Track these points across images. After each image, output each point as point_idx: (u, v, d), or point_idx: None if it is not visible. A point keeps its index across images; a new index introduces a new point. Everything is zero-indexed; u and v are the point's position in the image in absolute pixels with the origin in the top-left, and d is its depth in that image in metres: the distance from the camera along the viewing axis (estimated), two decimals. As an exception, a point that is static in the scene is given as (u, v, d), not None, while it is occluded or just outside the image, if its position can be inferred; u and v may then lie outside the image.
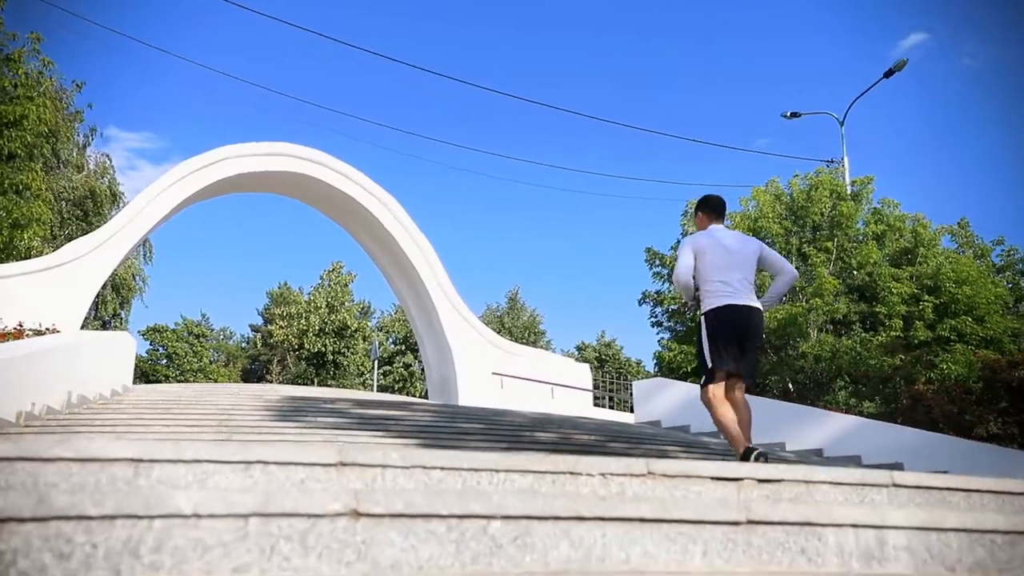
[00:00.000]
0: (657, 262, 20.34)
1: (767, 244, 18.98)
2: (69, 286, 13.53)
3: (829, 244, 18.46)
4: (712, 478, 2.56)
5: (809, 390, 18.59)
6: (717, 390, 4.95)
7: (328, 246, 72.03)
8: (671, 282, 6.44)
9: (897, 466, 8.10)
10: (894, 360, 16.69)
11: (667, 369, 21.29)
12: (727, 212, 5.45)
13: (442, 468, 1.92)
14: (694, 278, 5.07)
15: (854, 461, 8.34)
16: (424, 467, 1.95)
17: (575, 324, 77.28)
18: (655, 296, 21.13)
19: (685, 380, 19.53)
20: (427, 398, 26.75)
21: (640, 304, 21.36)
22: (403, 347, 35.27)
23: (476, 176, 75.15)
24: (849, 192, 19.29)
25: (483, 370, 16.94)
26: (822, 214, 18.70)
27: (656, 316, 21.10)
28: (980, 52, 57.07)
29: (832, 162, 21.65)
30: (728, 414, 4.88)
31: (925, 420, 12.18)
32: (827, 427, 9.16)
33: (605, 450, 6.82)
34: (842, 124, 21.66)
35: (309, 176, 16.65)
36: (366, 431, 6.77)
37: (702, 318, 5.05)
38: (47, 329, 9.28)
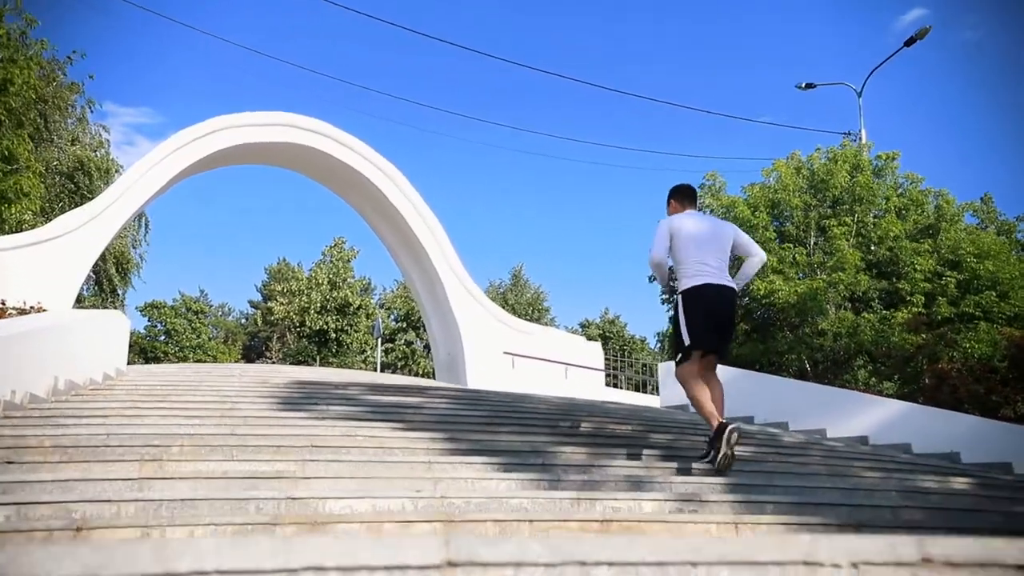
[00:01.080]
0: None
1: (786, 218, 18.36)
2: (60, 261, 12.81)
3: (848, 219, 17.75)
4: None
5: (827, 369, 17.98)
6: (692, 367, 5.13)
7: (328, 222, 71.17)
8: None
9: (953, 456, 7.47)
10: (917, 338, 16.06)
11: (673, 348, 20.68)
12: (697, 200, 5.57)
13: (610, 564, 1.19)
14: (671, 261, 5.20)
15: (902, 449, 7.70)
16: (583, 563, 1.20)
17: (579, 302, 76.61)
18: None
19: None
20: (434, 377, 26.11)
21: (652, 280, 20.66)
22: (404, 324, 34.66)
23: (483, 148, 73.71)
24: (871, 165, 18.55)
25: (492, 349, 16.29)
26: (843, 187, 17.97)
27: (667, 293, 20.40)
28: (981, 24, 55.95)
29: (849, 134, 20.90)
30: (703, 391, 5.10)
31: (950, 400, 11.56)
32: (872, 412, 8.51)
33: (647, 442, 6.16)
34: (860, 95, 20.91)
35: (311, 148, 15.88)
36: (384, 421, 6.10)
37: (679, 297, 5.13)
38: (32, 308, 8.58)
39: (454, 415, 6.73)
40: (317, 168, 16.71)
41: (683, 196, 5.49)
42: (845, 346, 17.13)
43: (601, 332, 37.55)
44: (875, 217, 18.30)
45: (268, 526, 3.29)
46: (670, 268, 5.37)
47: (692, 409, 9.64)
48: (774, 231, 18.15)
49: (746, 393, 9.59)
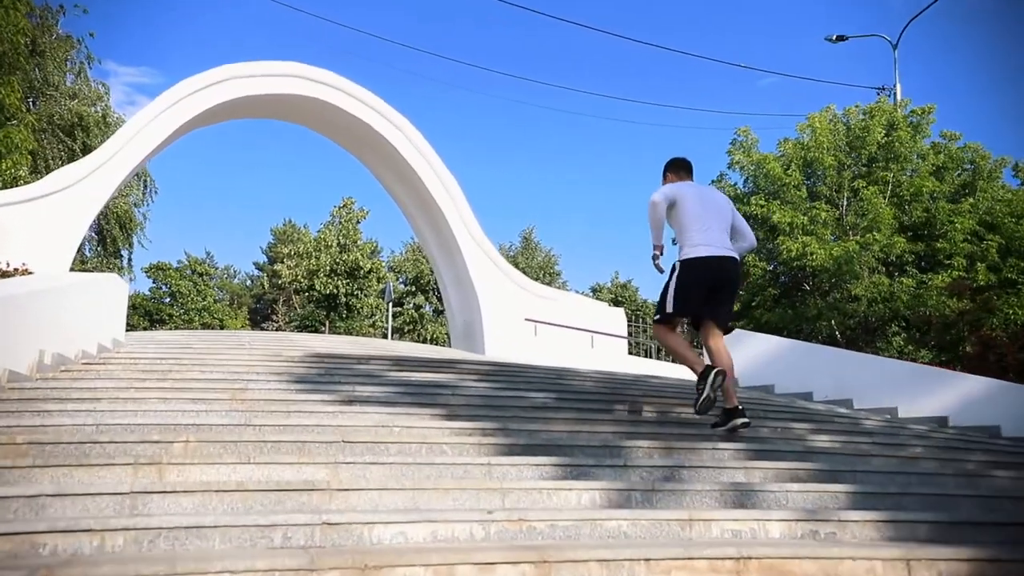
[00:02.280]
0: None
1: (818, 177, 17.32)
2: (56, 220, 11.86)
3: (885, 175, 16.69)
4: None
5: (859, 336, 17.07)
6: (669, 328, 5.19)
7: (337, 183, 69.97)
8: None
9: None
10: (959, 303, 15.12)
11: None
12: (692, 171, 5.41)
13: None
14: (672, 227, 5.11)
15: (989, 432, 6.82)
16: None
17: (590, 266, 75.42)
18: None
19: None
20: (444, 343, 25.28)
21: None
22: (413, 288, 33.73)
23: (494, 100, 71.18)
24: (907, 121, 17.44)
25: (512, 316, 15.38)
26: (879, 144, 16.89)
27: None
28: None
29: (884, 89, 19.75)
30: (681, 342, 5.28)
31: (995, 369, 10.71)
32: (950, 390, 7.62)
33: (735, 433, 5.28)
34: (895, 47, 19.70)
35: (320, 100, 14.81)
36: (419, 407, 5.22)
37: (678, 263, 5.01)
38: (15, 270, 7.66)
39: (496, 397, 5.84)
40: (327, 123, 15.67)
41: (678, 168, 5.39)
42: (879, 312, 16.22)
43: (613, 296, 36.64)
44: (910, 176, 17.25)
45: (305, 574, 2.41)
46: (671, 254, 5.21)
47: (743, 385, 8.86)
48: (806, 190, 17.13)
49: (802, 367, 8.73)
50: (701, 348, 5.57)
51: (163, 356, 6.76)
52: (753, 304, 17.60)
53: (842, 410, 7.37)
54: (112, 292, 7.15)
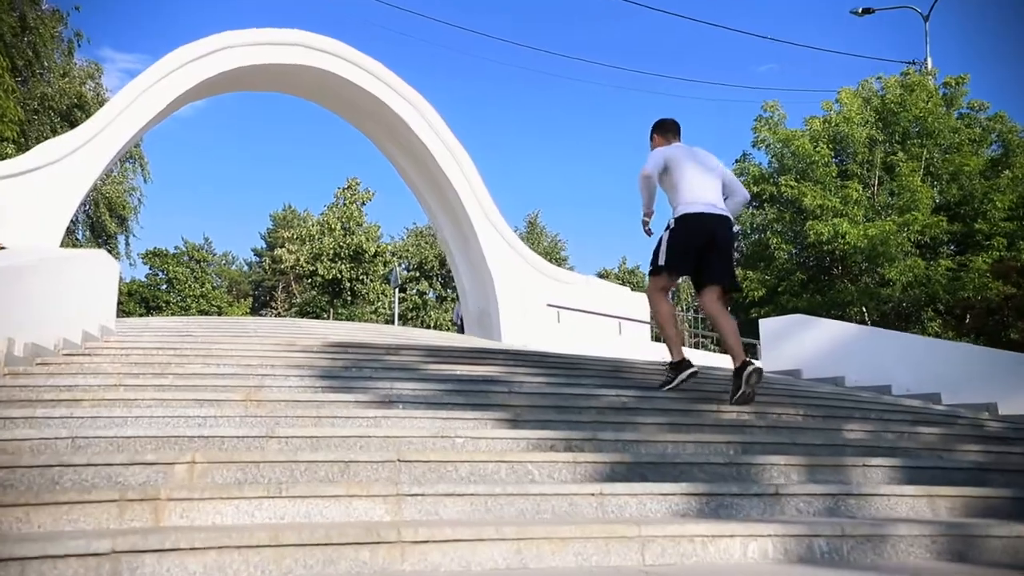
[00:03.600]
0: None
1: (848, 154, 16.32)
2: (43, 197, 10.79)
3: (921, 152, 15.66)
4: None
5: (892, 323, 16.08)
6: (662, 286, 5.09)
7: (336, 168, 68.66)
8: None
9: None
10: (1004, 287, 14.14)
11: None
12: (680, 132, 5.31)
13: None
14: (665, 191, 5.05)
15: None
16: None
17: (596, 251, 73.96)
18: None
19: (748, 311, 17.02)
20: (449, 331, 24.24)
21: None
22: (417, 274, 32.60)
23: (499, 68, 67.84)
24: (939, 92, 16.41)
25: (531, 302, 14.35)
26: (914, 118, 15.86)
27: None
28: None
29: (913, 63, 18.70)
30: (670, 316, 5.14)
31: None
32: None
33: (856, 442, 4.28)
34: (926, 19, 18.65)
35: (326, 71, 13.70)
36: (477, 409, 4.20)
37: (672, 221, 4.96)
38: (-14, 248, 6.63)
39: (561, 395, 4.81)
40: (333, 96, 14.56)
41: (666, 130, 5.28)
42: (915, 297, 15.25)
43: (620, 281, 35.63)
44: (945, 152, 16.22)
45: None
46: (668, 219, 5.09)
47: (807, 376, 7.87)
48: (835, 168, 16.11)
49: (875, 356, 7.72)
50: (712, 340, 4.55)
51: (160, 346, 5.71)
52: (780, 290, 16.59)
53: (937, 407, 6.39)
54: (101, 271, 6.09)
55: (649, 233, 5.08)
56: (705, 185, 4.95)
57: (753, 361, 4.83)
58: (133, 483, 2.73)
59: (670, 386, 4.99)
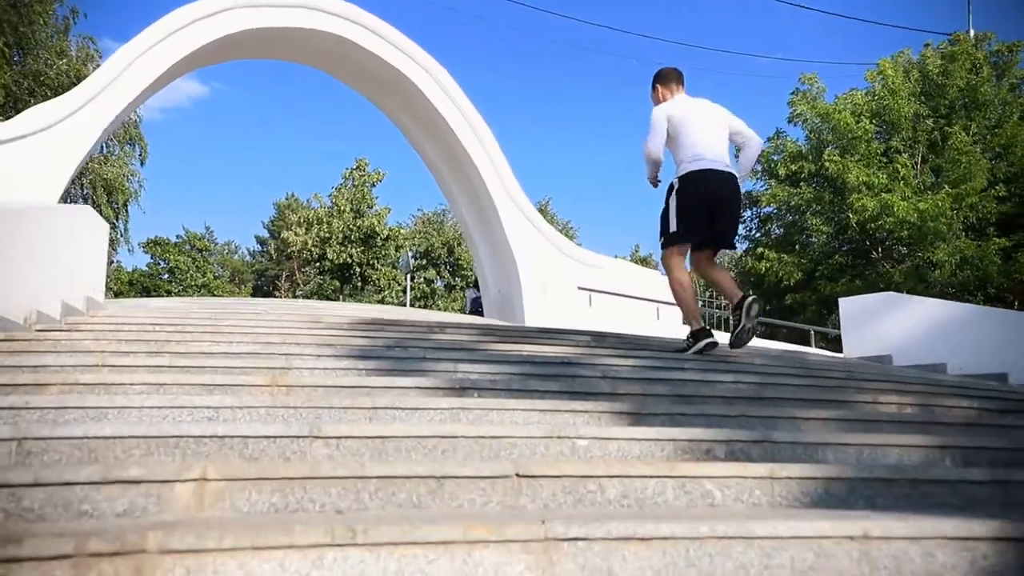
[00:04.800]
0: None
1: (892, 130, 15.24)
2: (33, 167, 9.67)
3: (967, 124, 14.55)
4: None
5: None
6: (679, 257, 4.76)
7: (339, 156, 67.38)
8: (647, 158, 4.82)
9: None
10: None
11: (747, 284, 17.64)
12: (683, 82, 4.94)
13: None
14: (668, 147, 4.75)
15: None
16: None
17: (608, 239, 72.38)
18: (744, 197, 17.28)
19: (783, 296, 15.95)
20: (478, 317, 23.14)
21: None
22: (424, 262, 31.47)
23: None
24: (988, 61, 15.29)
25: (557, 285, 13.28)
26: (960, 90, 14.74)
27: (744, 220, 17.30)
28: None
29: (952, 36, 17.57)
30: (688, 285, 4.82)
31: None
32: None
33: (975, 441, 3.21)
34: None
35: (337, 36, 12.54)
36: (575, 399, 3.12)
37: (675, 181, 4.69)
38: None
39: (666, 381, 3.70)
40: (344, 63, 13.42)
41: (669, 80, 4.93)
42: (966, 279, 14.16)
43: (631, 270, 34.49)
44: (995, 126, 15.10)
45: None
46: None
47: (899, 363, 6.81)
48: (879, 145, 15.00)
49: (989, 338, 6.66)
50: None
51: (160, 321, 4.61)
52: (816, 274, 15.51)
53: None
54: (86, 231, 4.97)
55: (655, 184, 4.84)
56: (711, 141, 4.65)
57: (749, 292, 4.63)
58: (105, 517, 1.66)
59: (688, 348, 4.65)
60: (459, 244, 32.83)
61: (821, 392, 3.74)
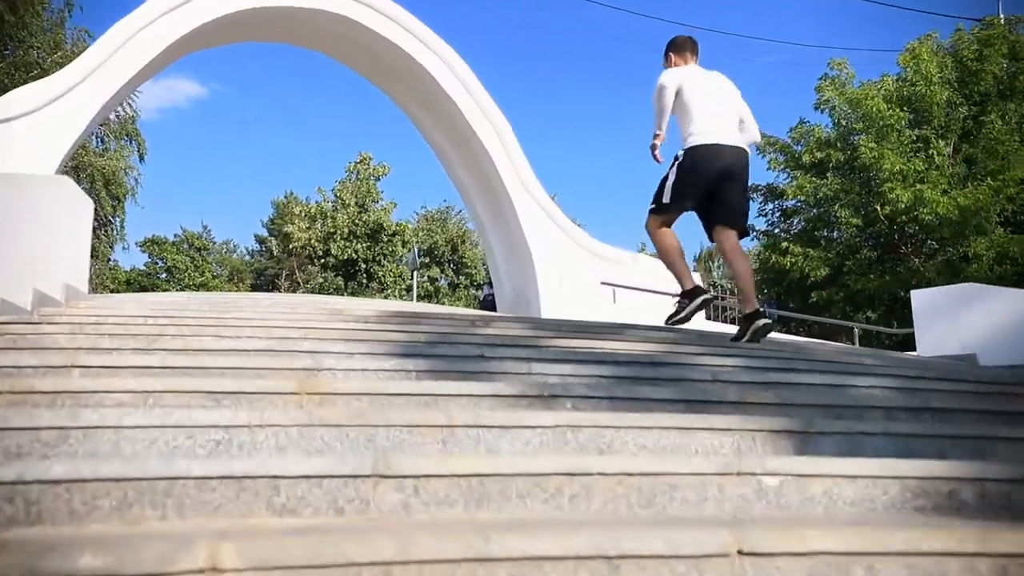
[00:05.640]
0: (772, 149, 15.63)
1: (924, 118, 14.50)
2: (20, 152, 8.92)
3: (1007, 111, 13.76)
4: None
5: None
6: (663, 223, 4.57)
7: (338, 157, 66.51)
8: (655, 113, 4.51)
9: None
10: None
11: (769, 280, 16.86)
12: (697, 52, 4.73)
13: None
14: (676, 116, 4.54)
15: None
16: None
17: (614, 236, 71.40)
18: (765, 189, 16.48)
19: (808, 293, 15.17)
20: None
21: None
22: (427, 260, 30.62)
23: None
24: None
25: (575, 281, 12.48)
26: (995, 76, 13.96)
27: (766, 212, 16.50)
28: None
29: (983, 21, 16.81)
30: (673, 246, 4.60)
31: None
32: None
33: None
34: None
35: (344, 18, 11.76)
36: (710, 413, 2.33)
37: (682, 152, 4.47)
38: None
39: (799, 386, 2.92)
40: (351, 48, 12.64)
41: (682, 48, 4.68)
42: (1005, 274, 13.38)
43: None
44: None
45: None
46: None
47: (985, 363, 6.06)
48: (910, 133, 14.20)
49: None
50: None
51: (149, 314, 3.81)
52: (845, 269, 14.72)
53: None
54: (64, 207, 4.15)
55: (658, 160, 4.61)
56: (721, 113, 4.47)
57: (765, 312, 4.38)
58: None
59: (684, 312, 4.45)
60: (463, 242, 31.99)
61: (986, 401, 2.95)
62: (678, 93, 4.49)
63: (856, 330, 10.62)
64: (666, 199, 4.46)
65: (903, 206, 12.87)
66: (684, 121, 4.51)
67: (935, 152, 13.36)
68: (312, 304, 5.84)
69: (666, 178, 4.49)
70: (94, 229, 24.74)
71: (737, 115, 4.57)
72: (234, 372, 2.37)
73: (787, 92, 53.11)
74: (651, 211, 4.59)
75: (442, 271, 31.51)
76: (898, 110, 13.71)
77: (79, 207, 4.38)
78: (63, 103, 9.46)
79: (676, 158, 4.50)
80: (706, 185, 4.38)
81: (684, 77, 4.51)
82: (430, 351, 3.07)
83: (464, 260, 31.54)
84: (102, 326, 3.36)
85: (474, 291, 31.61)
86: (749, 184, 4.81)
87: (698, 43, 4.74)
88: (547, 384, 2.52)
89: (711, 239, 4.64)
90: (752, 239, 18.00)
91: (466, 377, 2.59)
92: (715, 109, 4.45)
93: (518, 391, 2.35)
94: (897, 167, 13.18)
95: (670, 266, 4.68)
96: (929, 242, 14.28)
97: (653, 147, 4.61)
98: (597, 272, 12.27)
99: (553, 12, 65.20)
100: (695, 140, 4.39)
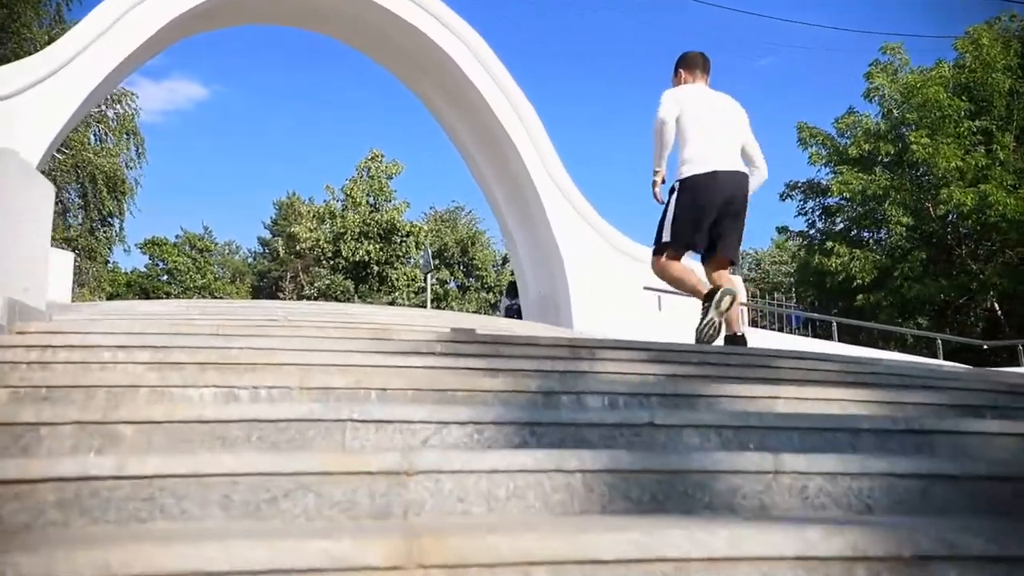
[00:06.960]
0: (815, 141, 14.46)
1: (984, 106, 13.40)
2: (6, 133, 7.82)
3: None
4: None
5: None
6: (668, 258, 4.28)
7: (342, 160, 65.33)
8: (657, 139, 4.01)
9: None
10: None
11: (808, 283, 15.72)
12: (709, 71, 4.52)
13: None
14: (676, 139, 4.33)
15: None
16: None
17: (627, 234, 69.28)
18: (805, 186, 15.30)
19: (853, 297, 14.05)
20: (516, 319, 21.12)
21: (783, 199, 15.55)
22: (437, 262, 29.37)
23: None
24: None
25: (609, 285, 11.35)
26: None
27: (807, 211, 15.35)
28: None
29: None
30: (683, 270, 4.32)
31: None
32: None
33: None
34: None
35: (359, -2, 10.70)
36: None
37: (677, 183, 4.27)
38: None
39: (979, 436, 1.79)
40: (365, 31, 11.52)
41: (693, 65, 4.46)
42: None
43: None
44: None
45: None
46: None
47: None
48: (969, 124, 13.01)
49: None
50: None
51: (123, 344, 2.61)
52: (895, 273, 13.54)
53: None
54: (26, 201, 2.91)
55: (659, 200, 4.36)
56: (721, 139, 4.24)
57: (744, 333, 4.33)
58: None
59: (711, 315, 3.99)
60: (473, 243, 30.85)
61: None
62: (678, 119, 4.26)
63: (939, 342, 9.47)
64: (666, 238, 4.24)
65: (966, 209, 11.71)
66: (682, 145, 4.29)
67: (997, 145, 12.18)
68: (336, 317, 4.69)
69: (664, 213, 4.30)
70: (92, 229, 23.61)
71: (740, 140, 4.34)
72: (255, 481, 1.19)
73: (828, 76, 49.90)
74: (654, 252, 4.40)
75: (452, 273, 30.33)
76: (957, 100, 12.55)
77: (33, 190, 3.18)
78: (39, 94, 8.37)
79: (672, 190, 4.28)
80: (706, 218, 4.14)
81: (685, 100, 4.27)
82: (550, 417, 1.90)
83: (474, 262, 30.38)
84: (48, 369, 2.19)
85: (484, 294, 30.41)
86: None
87: (710, 60, 4.51)
88: (816, 503, 1.35)
89: (702, 262, 4.40)
90: (787, 239, 16.82)
91: (676, 502, 1.41)
92: (714, 132, 4.21)
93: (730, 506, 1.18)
94: (954, 163, 12.02)
95: (682, 286, 4.38)
96: (985, 243, 13.12)
97: (653, 184, 4.38)
98: (636, 277, 11.12)
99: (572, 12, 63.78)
100: (690, 169, 4.16)
